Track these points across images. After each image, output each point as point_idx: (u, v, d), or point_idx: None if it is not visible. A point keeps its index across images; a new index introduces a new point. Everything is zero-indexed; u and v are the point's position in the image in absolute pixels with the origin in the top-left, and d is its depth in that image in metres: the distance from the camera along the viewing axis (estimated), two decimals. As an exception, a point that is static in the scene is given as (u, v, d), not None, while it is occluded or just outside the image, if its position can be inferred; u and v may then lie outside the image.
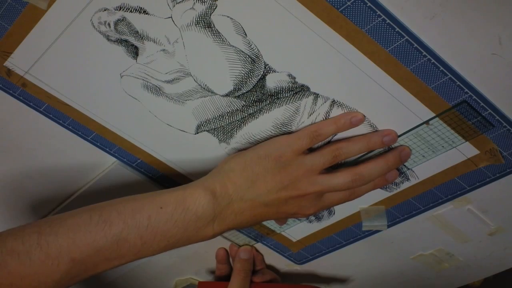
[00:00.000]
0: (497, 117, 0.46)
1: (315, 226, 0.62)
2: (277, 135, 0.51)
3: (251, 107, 0.51)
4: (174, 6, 0.45)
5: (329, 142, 0.52)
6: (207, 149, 0.55)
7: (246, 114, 0.52)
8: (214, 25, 0.45)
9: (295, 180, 0.48)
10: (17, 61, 0.50)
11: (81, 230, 0.43)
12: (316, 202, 0.50)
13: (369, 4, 0.41)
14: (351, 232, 0.62)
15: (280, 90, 0.49)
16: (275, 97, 0.50)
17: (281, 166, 0.48)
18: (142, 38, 0.47)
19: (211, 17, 0.45)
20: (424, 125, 0.49)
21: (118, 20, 0.46)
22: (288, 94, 0.49)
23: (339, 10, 0.42)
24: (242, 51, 0.47)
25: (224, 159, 0.52)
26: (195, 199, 0.46)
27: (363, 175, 0.49)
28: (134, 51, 0.48)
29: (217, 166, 0.51)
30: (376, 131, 0.50)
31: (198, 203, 0.46)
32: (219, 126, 0.53)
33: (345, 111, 0.49)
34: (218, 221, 0.48)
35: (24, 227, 0.44)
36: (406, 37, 0.43)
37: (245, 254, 0.64)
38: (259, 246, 0.67)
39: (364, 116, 0.49)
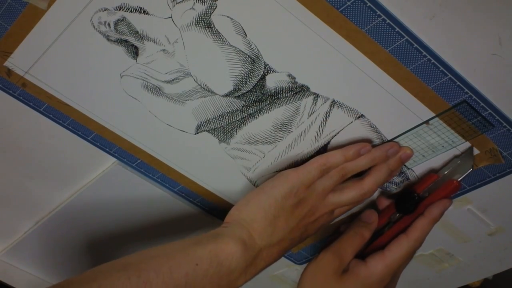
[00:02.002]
0: (497, 117, 0.46)
1: (315, 226, 0.62)
2: (284, 169, 0.52)
3: (251, 107, 0.51)
4: (174, 6, 0.45)
5: (327, 145, 0.52)
6: (207, 149, 0.55)
7: (246, 114, 0.52)
8: (214, 25, 0.45)
9: (311, 207, 0.50)
10: (17, 61, 0.50)
11: None
12: (329, 218, 0.53)
13: (369, 4, 0.41)
14: (351, 232, 0.62)
15: (280, 90, 0.49)
16: (275, 97, 0.50)
17: (297, 201, 0.49)
18: (142, 38, 0.47)
19: (211, 17, 0.45)
20: (424, 125, 0.49)
21: (118, 20, 0.46)
22: (288, 94, 0.49)
23: (339, 10, 0.42)
24: (242, 51, 0.47)
25: (237, 207, 0.51)
26: (227, 253, 0.46)
27: (370, 188, 0.51)
28: (134, 51, 0.48)
29: (231, 215, 0.50)
30: (379, 146, 0.51)
31: (231, 257, 0.46)
32: (219, 126, 0.53)
33: (345, 112, 0.50)
34: (250, 270, 0.48)
35: None
36: (406, 37, 0.43)
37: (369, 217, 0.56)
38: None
39: (372, 147, 0.50)
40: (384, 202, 0.56)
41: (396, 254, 0.51)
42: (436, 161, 0.52)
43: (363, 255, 0.53)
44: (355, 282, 0.52)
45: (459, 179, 0.50)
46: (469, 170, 0.49)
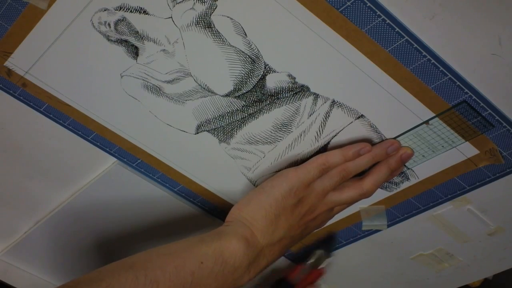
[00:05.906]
0: (497, 117, 0.46)
1: (315, 226, 0.62)
2: (284, 168, 0.52)
3: (251, 107, 0.51)
4: (174, 6, 0.45)
5: (327, 145, 0.52)
6: (207, 149, 0.55)
7: (246, 114, 0.52)
8: (214, 25, 0.45)
9: (311, 206, 0.51)
10: (17, 61, 0.50)
11: None
12: (329, 215, 0.54)
13: (369, 4, 0.41)
14: (351, 231, 0.62)
15: (280, 90, 0.49)
16: (275, 97, 0.50)
17: (296, 200, 0.50)
18: (142, 38, 0.47)
19: (211, 17, 0.45)
20: (424, 125, 0.49)
21: (118, 20, 0.46)
22: (288, 94, 0.49)
23: (339, 10, 0.42)
24: (242, 51, 0.47)
25: (238, 206, 0.51)
26: (231, 251, 0.47)
27: (370, 188, 0.51)
28: (134, 51, 0.49)
29: (232, 213, 0.51)
30: (379, 143, 0.51)
31: (234, 255, 0.47)
32: (219, 126, 0.53)
33: (345, 112, 0.50)
34: (252, 268, 0.49)
35: None
36: (406, 37, 0.43)
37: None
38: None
39: (371, 147, 0.50)
40: None
41: None
42: (435, 161, 0.52)
43: None
44: None
45: (322, 267, 0.61)
46: (329, 259, 0.62)
